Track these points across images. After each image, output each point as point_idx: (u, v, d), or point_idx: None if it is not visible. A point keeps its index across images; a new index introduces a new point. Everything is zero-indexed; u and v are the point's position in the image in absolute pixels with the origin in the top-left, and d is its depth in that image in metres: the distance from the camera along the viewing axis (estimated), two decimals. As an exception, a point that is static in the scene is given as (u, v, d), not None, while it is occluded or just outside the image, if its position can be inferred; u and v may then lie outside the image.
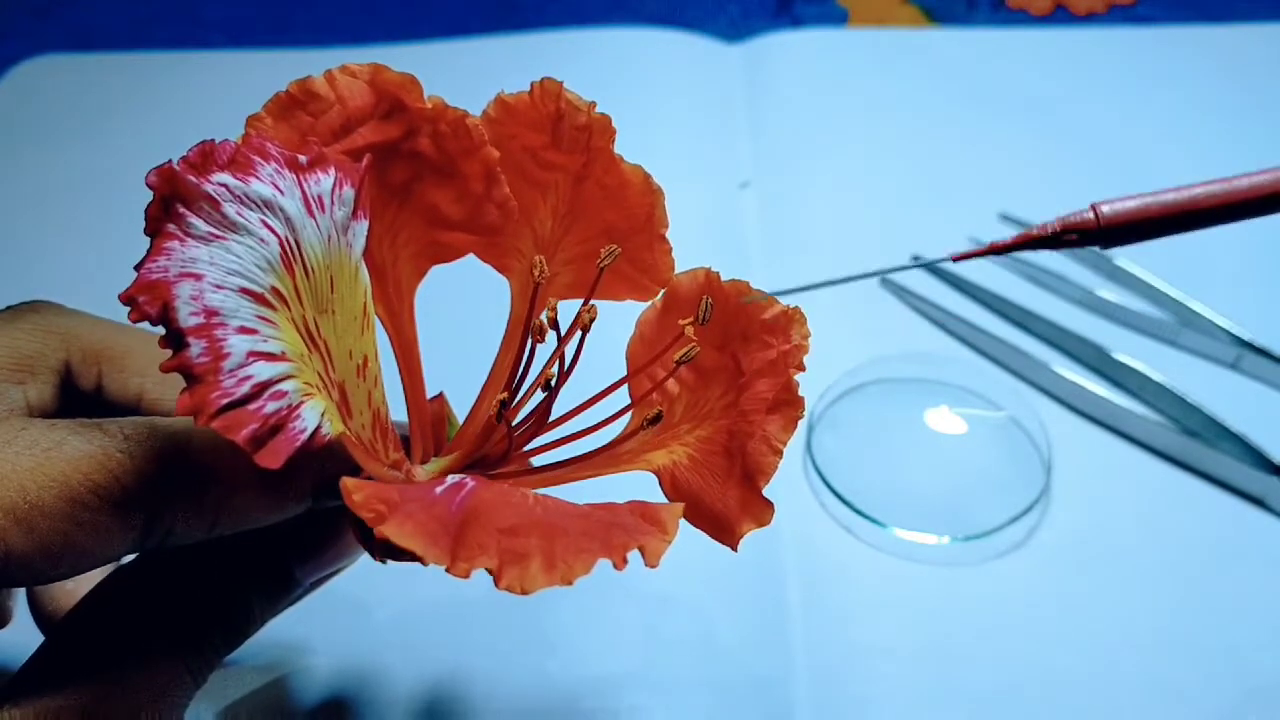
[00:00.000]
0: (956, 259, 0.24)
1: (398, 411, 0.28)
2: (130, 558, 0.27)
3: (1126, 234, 0.23)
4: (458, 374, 0.30)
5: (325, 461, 0.25)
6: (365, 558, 0.26)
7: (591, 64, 0.68)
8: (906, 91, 0.69)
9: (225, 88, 0.66)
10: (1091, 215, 0.22)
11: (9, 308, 0.28)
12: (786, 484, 0.46)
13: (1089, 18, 0.77)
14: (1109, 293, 0.54)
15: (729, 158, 0.63)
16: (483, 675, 0.39)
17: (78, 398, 0.28)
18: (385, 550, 0.21)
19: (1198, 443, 0.46)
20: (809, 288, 0.26)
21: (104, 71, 0.70)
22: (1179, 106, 0.67)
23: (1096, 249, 0.23)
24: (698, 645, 0.40)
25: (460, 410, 0.30)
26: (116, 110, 0.66)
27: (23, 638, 0.29)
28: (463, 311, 0.39)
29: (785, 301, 0.27)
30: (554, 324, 0.28)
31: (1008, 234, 0.63)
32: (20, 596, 0.33)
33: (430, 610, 0.41)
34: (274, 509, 0.26)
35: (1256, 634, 0.41)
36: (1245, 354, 0.50)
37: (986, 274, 0.56)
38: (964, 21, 0.77)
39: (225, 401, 0.20)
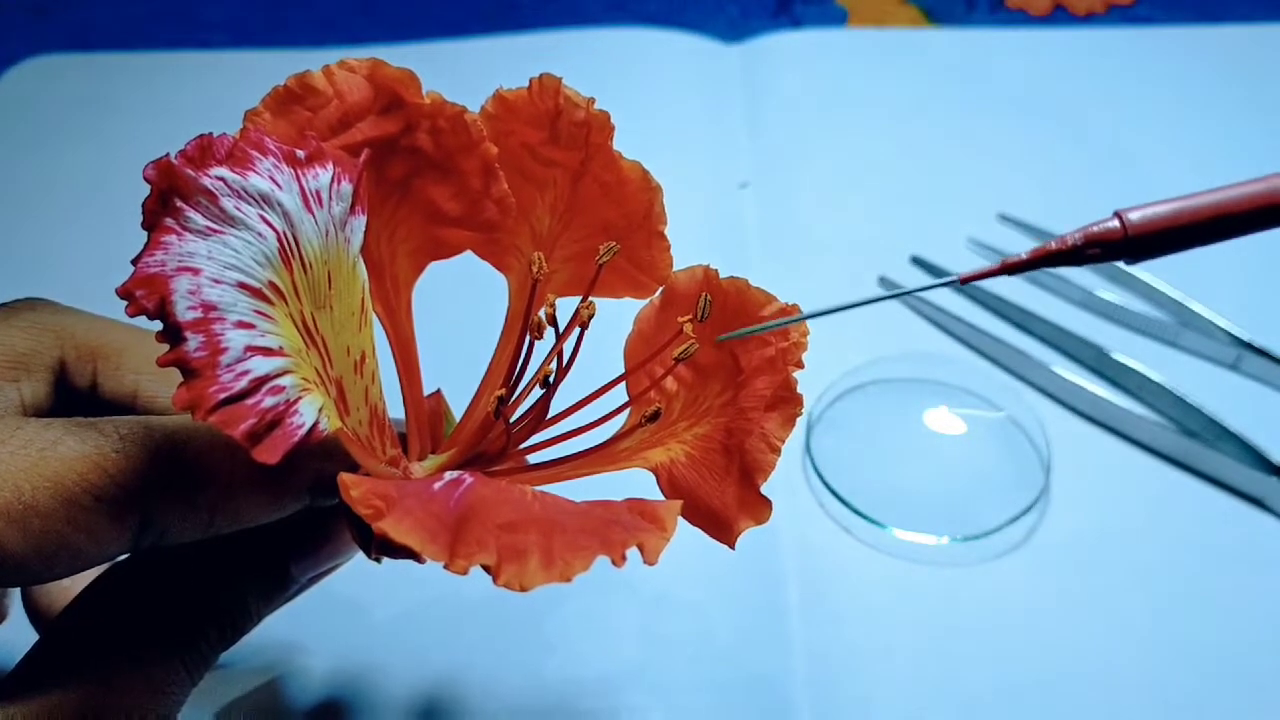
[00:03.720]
0: (964, 280, 0.21)
1: (394, 408, 0.28)
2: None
3: (1156, 245, 0.20)
4: (455, 371, 0.30)
5: (322, 459, 0.25)
6: (362, 556, 0.26)
7: (590, 64, 0.68)
8: (906, 92, 0.69)
9: (224, 87, 0.66)
10: (1117, 224, 0.19)
11: (3, 305, 0.28)
12: (786, 484, 0.46)
13: (1088, 18, 0.77)
14: (1109, 293, 0.54)
15: (728, 158, 0.63)
16: (480, 675, 0.39)
17: (72, 395, 0.28)
18: (382, 548, 0.21)
19: (1198, 443, 0.46)
20: (826, 312, 0.24)
21: (104, 71, 0.70)
22: (1178, 107, 0.67)
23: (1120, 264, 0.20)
24: (696, 645, 0.40)
25: (457, 407, 0.30)
26: (116, 110, 0.66)
27: (18, 636, 0.29)
28: (460, 308, 0.39)
29: (794, 309, 0.27)
30: (552, 320, 0.28)
31: (1006, 234, 0.63)
32: (15, 594, 0.33)
33: (427, 610, 0.41)
34: (271, 507, 0.25)
35: (1256, 634, 0.41)
36: (1245, 354, 0.50)
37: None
38: (963, 22, 0.77)
39: (223, 396, 0.20)
